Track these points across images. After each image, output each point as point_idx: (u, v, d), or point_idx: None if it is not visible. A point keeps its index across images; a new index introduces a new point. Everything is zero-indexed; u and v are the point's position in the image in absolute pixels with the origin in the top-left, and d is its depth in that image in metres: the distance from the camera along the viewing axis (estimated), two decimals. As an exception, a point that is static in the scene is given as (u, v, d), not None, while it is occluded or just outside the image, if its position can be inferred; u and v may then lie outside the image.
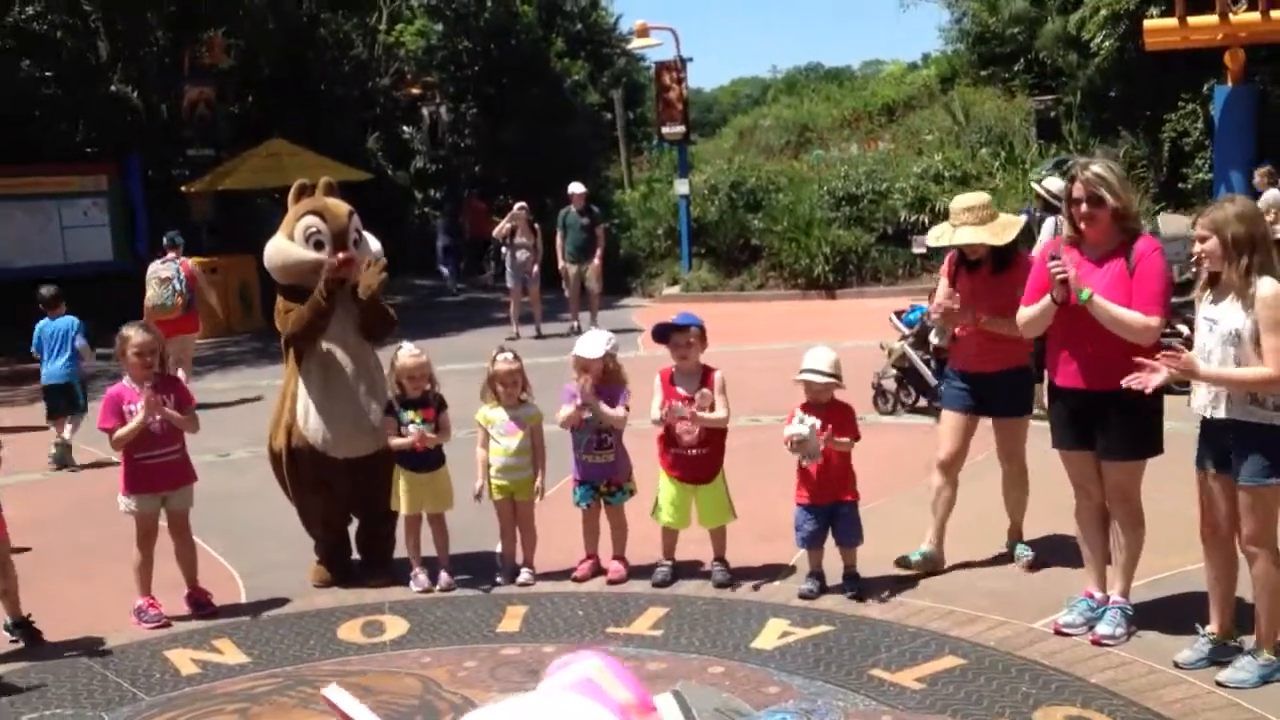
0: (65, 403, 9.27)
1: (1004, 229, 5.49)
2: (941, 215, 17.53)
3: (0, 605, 5.41)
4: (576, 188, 14.95)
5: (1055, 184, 9.33)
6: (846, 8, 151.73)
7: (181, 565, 5.73)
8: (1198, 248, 4.28)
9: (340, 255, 5.87)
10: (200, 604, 5.70)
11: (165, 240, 11.76)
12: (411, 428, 5.78)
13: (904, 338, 9.43)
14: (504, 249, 15.52)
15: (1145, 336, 4.54)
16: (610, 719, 1.74)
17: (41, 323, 9.39)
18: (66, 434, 9.15)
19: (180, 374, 9.16)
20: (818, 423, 5.29)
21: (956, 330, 5.59)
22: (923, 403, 9.25)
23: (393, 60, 25.88)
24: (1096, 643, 4.70)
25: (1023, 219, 5.82)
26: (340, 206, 6.08)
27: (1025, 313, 4.90)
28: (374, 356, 6.14)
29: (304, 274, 5.95)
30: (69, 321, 9.35)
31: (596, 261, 14.86)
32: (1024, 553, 5.75)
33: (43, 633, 5.39)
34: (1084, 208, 4.67)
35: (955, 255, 5.70)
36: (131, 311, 10.25)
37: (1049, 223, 9.18)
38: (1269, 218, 13.00)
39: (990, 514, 5.93)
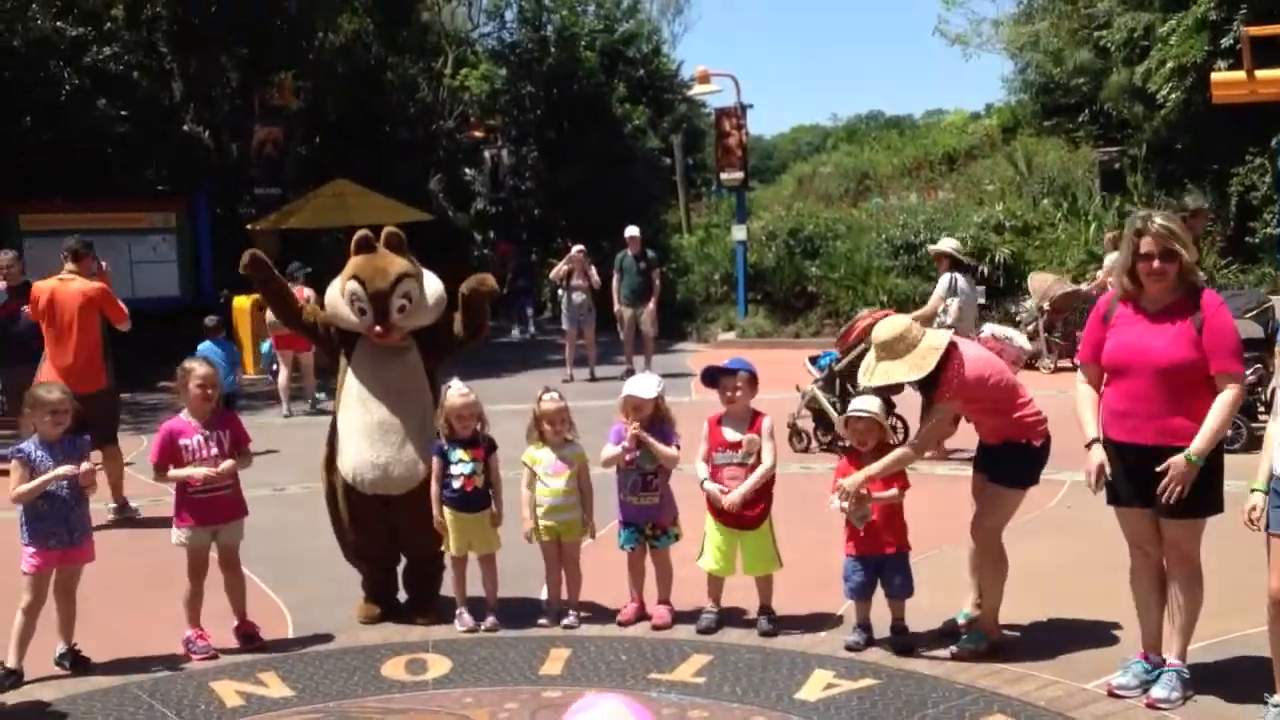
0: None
1: (923, 358, 5.16)
2: (1002, 267, 17.49)
3: (59, 634, 5.49)
4: (633, 231, 15.03)
5: (950, 243, 10.74)
6: (909, 56, 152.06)
7: (231, 597, 5.78)
8: None
9: (376, 329, 5.86)
10: (249, 637, 5.74)
11: (289, 270, 13.22)
12: (459, 468, 5.81)
13: (815, 381, 10.10)
14: (560, 291, 15.64)
15: (1238, 405, 4.51)
16: None
17: (203, 344, 10.94)
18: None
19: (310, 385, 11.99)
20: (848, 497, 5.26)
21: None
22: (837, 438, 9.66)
23: (457, 104, 26.32)
24: (1152, 706, 4.57)
25: (946, 336, 5.53)
26: (388, 271, 5.89)
27: (1078, 401, 4.85)
28: (426, 395, 6.09)
29: (354, 330, 6.05)
30: (224, 347, 11.26)
31: (651, 305, 14.91)
32: (970, 643, 5.29)
33: (90, 660, 5.47)
34: (1156, 264, 4.58)
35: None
36: (196, 345, 10.51)
37: (944, 280, 10.16)
38: (1109, 279, 13.22)
39: (1040, 571, 5.82)
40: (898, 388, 5.74)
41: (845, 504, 5.28)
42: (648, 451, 5.80)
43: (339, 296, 6.02)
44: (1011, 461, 5.26)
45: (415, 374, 6.09)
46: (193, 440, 5.66)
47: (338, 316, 6.07)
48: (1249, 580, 4.52)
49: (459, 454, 5.85)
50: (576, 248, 15.37)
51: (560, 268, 15.42)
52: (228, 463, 5.69)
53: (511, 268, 22.31)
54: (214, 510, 5.69)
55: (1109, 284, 13.59)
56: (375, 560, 6.18)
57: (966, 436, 5.85)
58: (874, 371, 5.33)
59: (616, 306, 15.07)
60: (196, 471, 5.61)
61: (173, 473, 5.61)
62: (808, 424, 10.28)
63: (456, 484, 5.83)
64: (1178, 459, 4.45)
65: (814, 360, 10.41)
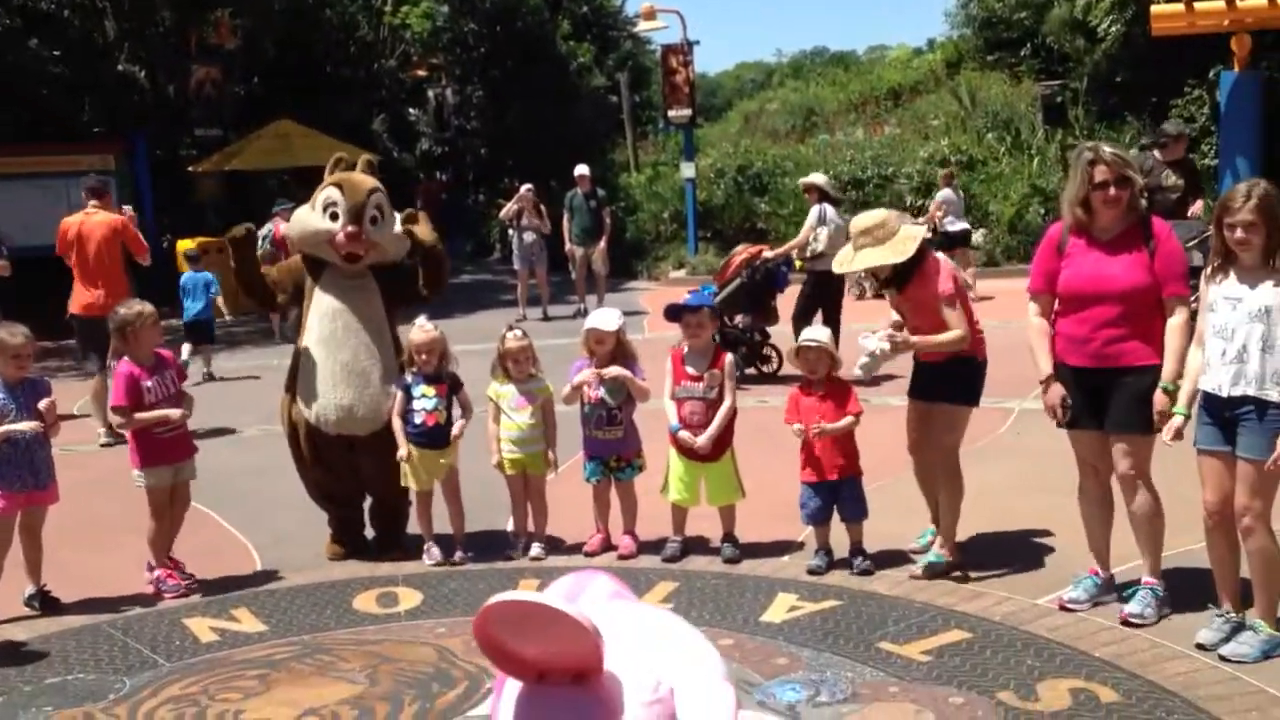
0: (206, 336, 11.79)
1: (904, 244, 5.28)
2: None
3: (27, 575, 5.50)
4: (582, 170, 14.98)
5: (819, 177, 11.27)
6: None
7: (172, 533, 5.83)
8: (1240, 235, 4.29)
9: (349, 229, 5.89)
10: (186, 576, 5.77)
11: (275, 209, 13.95)
12: (422, 403, 5.86)
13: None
14: (510, 231, 15.57)
15: (1190, 325, 4.62)
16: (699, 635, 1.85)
17: (186, 274, 11.95)
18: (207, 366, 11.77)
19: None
20: (885, 345, 5.32)
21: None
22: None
23: (398, 42, 25.90)
24: (1125, 622, 4.71)
25: (923, 229, 5.74)
26: (363, 183, 6.06)
27: (1032, 332, 4.94)
28: (388, 336, 6.12)
29: (318, 244, 6.03)
30: (206, 275, 11.84)
31: (603, 244, 14.92)
32: (930, 561, 5.43)
33: (60, 600, 5.50)
34: (1112, 190, 4.69)
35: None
36: (141, 287, 10.38)
37: (814, 211, 10.59)
38: (939, 214, 14.75)
39: (995, 494, 6.01)
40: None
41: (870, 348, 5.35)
42: (612, 386, 5.88)
43: (309, 210, 6.08)
44: (964, 378, 5.39)
45: (376, 314, 6.10)
46: (151, 381, 5.66)
47: (305, 233, 6.08)
48: (1188, 498, 4.71)
49: (422, 389, 5.90)
50: (525, 186, 15.30)
51: (510, 207, 15.35)
52: (187, 402, 5.75)
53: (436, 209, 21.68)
54: (175, 449, 5.72)
55: (936, 219, 13.76)
56: (341, 499, 6.22)
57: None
58: (853, 259, 5.45)
59: (568, 246, 15.05)
60: (173, 412, 5.63)
61: (143, 415, 5.60)
62: None
63: (419, 419, 5.87)
64: (1159, 395, 4.57)
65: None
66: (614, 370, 5.85)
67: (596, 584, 1.84)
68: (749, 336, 10.33)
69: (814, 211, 10.59)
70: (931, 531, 5.68)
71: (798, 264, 10.79)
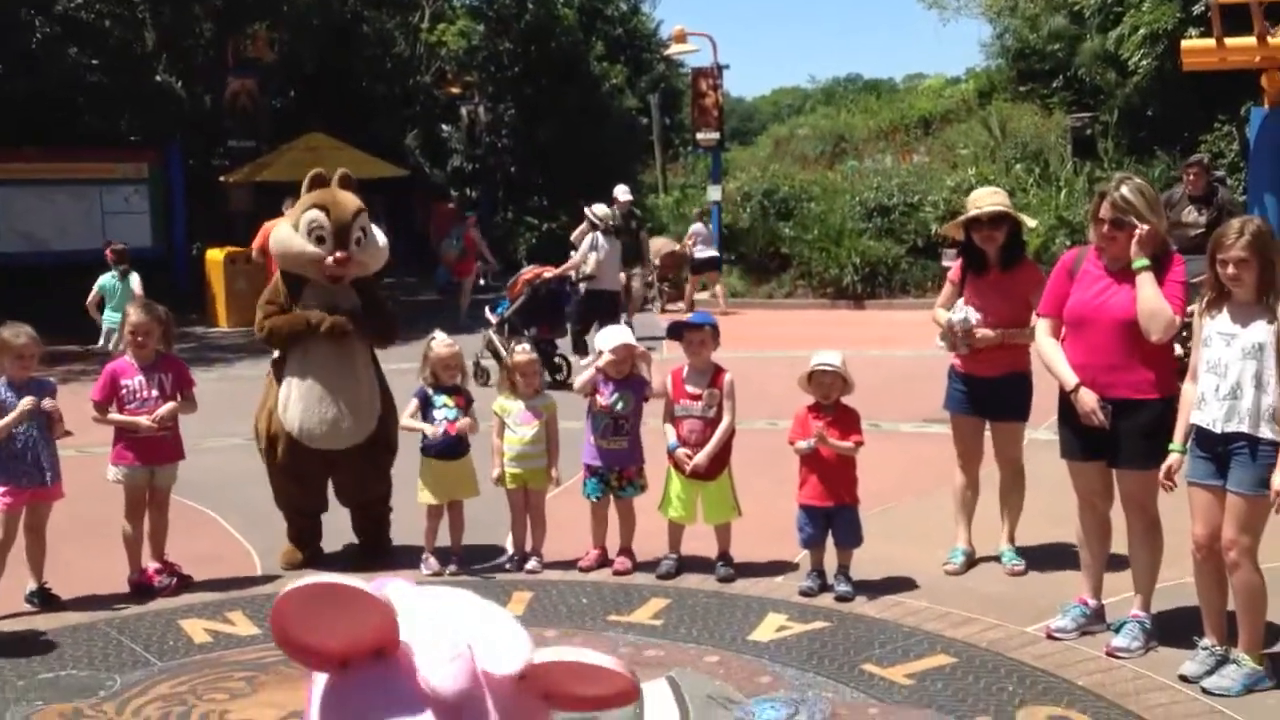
0: None
1: (1026, 218, 5.81)
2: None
3: (30, 572, 5.58)
4: (623, 192, 14.77)
5: (603, 209, 12.52)
6: (889, 20, 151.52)
7: (153, 538, 5.87)
8: (1231, 271, 4.30)
9: (337, 255, 5.87)
10: (159, 582, 5.78)
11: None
12: (443, 413, 5.92)
13: (489, 326, 11.33)
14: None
15: (1168, 330, 4.60)
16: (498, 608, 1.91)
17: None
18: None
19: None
20: (975, 317, 5.50)
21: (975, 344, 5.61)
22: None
23: (434, 59, 26.15)
24: (1111, 654, 4.69)
25: (1033, 221, 6.05)
26: (348, 203, 6.00)
27: (1045, 350, 4.97)
28: (368, 351, 6.18)
29: (303, 265, 6.02)
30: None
31: (643, 266, 14.95)
32: (1012, 560, 5.80)
33: (60, 598, 5.58)
34: (1105, 229, 4.72)
35: (963, 262, 5.78)
36: (167, 295, 10.55)
37: (587, 239, 12.17)
38: (690, 243, 17.46)
39: (991, 518, 5.99)
40: None
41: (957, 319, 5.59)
42: (623, 396, 5.93)
43: (292, 231, 6.00)
44: (1020, 393, 5.69)
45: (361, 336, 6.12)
46: (134, 381, 5.72)
47: (289, 254, 6.04)
48: (1182, 529, 4.69)
49: (444, 399, 5.98)
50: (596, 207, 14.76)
51: (583, 227, 14.82)
52: (167, 407, 5.73)
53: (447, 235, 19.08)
54: (152, 450, 5.76)
55: (688, 247, 15.80)
56: (309, 511, 6.27)
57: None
58: (990, 204, 5.62)
59: None
60: (139, 420, 5.66)
61: (113, 415, 5.70)
62: (490, 363, 10.91)
63: (441, 429, 5.94)
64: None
65: (492, 308, 11.66)
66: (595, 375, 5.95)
67: (395, 584, 1.90)
68: (539, 347, 10.77)
69: (587, 239, 12.16)
70: (962, 550, 5.78)
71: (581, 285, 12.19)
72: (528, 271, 11.81)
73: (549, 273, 11.74)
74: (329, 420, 5.96)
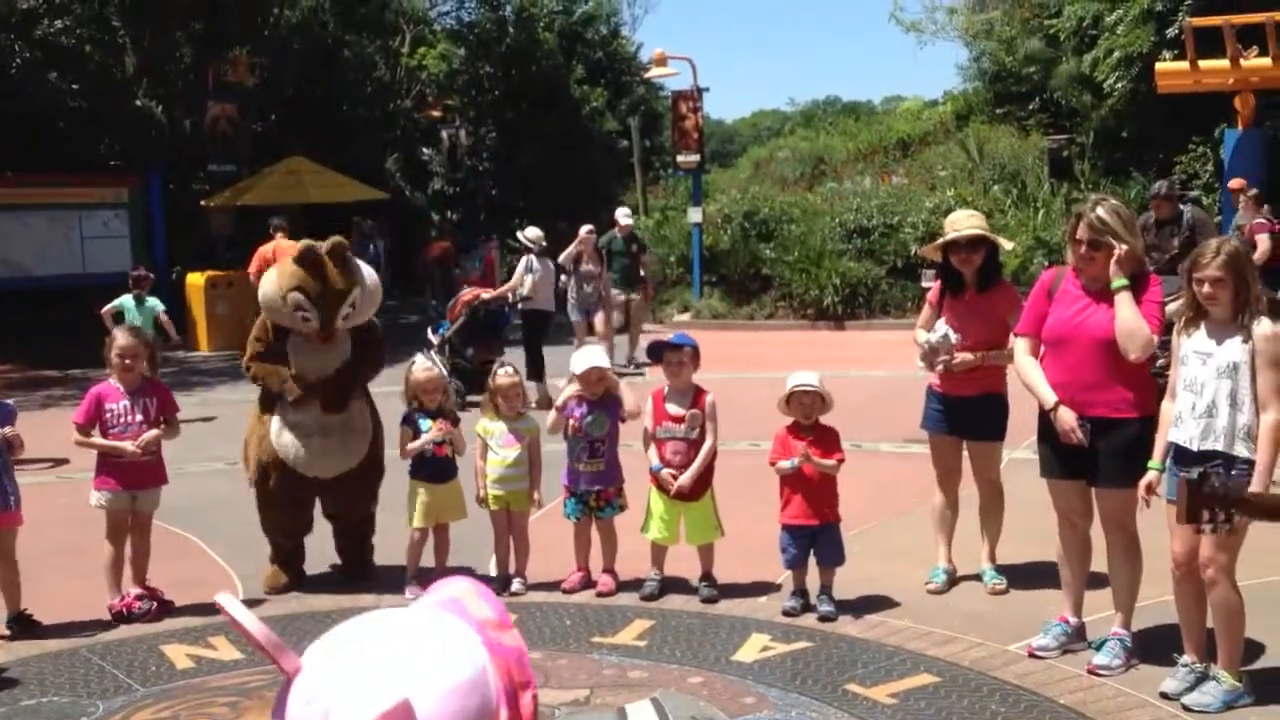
0: None
1: (1002, 241, 5.87)
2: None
3: (1, 599, 5.55)
4: (624, 215, 14.53)
5: (534, 232, 12.51)
6: (868, 43, 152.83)
7: (134, 562, 5.86)
8: (1207, 290, 4.36)
9: (321, 335, 5.90)
10: (142, 606, 5.75)
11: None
12: (429, 431, 5.95)
13: (430, 346, 11.31)
14: (565, 277, 13.73)
15: (1146, 348, 4.65)
16: (468, 630, 1.86)
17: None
18: None
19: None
20: (955, 336, 5.55)
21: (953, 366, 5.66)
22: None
23: (414, 83, 26.26)
24: (1092, 672, 4.73)
25: (1010, 244, 6.13)
26: (337, 294, 5.88)
27: (1024, 370, 5.00)
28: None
29: (290, 326, 6.05)
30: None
31: (645, 291, 14.94)
32: (993, 578, 5.83)
33: (40, 624, 5.55)
34: (1083, 249, 4.77)
35: (941, 283, 5.84)
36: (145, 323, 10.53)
37: (522, 261, 12.20)
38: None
39: (971, 538, 6.03)
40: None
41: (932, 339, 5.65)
42: (597, 419, 5.95)
43: (280, 304, 5.94)
44: (997, 413, 5.73)
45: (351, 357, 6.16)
46: (118, 405, 5.72)
47: (274, 315, 6.05)
48: (1162, 548, 4.73)
49: (429, 423, 5.99)
50: (586, 228, 13.60)
51: (571, 250, 14.33)
52: (152, 433, 5.73)
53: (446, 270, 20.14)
54: (135, 476, 5.76)
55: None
56: (295, 535, 6.29)
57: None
58: (966, 227, 5.67)
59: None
60: (124, 446, 5.66)
61: (95, 439, 5.69)
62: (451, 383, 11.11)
63: (428, 452, 5.96)
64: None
65: (434, 329, 11.99)
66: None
67: (442, 590, 1.91)
68: (478, 367, 11.06)
69: (522, 262, 12.28)
70: (943, 569, 5.83)
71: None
72: (467, 294, 12.06)
73: (487, 294, 12.05)
74: (323, 448, 5.99)
